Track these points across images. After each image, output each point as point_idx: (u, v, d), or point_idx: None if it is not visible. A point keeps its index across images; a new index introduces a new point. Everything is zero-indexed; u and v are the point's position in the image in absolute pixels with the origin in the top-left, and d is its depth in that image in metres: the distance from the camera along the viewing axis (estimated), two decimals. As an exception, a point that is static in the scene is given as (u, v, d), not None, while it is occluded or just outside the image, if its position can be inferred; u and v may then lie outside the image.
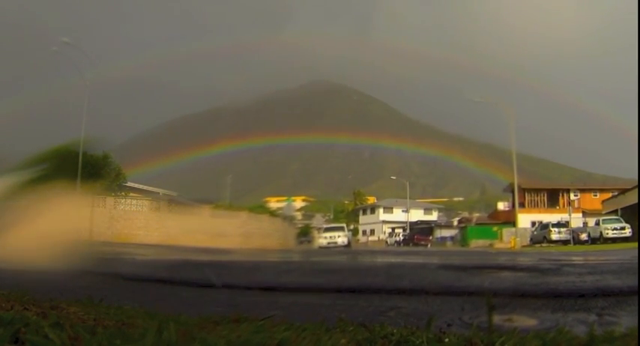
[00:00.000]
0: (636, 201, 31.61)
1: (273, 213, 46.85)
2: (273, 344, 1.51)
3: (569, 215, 35.65)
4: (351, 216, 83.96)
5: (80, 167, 11.75)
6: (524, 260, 7.59)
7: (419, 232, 54.14)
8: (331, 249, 33.42)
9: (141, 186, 35.98)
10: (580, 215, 41.21)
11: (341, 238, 36.63)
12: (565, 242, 32.24)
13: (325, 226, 45.08)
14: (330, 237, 36.99)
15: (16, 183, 6.35)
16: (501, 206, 55.65)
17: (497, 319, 2.01)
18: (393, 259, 9.09)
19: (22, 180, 6.37)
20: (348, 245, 37.00)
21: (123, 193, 30.11)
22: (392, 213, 76.53)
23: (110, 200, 26.57)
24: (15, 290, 2.40)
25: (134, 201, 27.66)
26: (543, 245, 32.42)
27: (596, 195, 48.91)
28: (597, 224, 32.50)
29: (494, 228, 45.14)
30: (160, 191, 38.47)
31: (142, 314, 2.05)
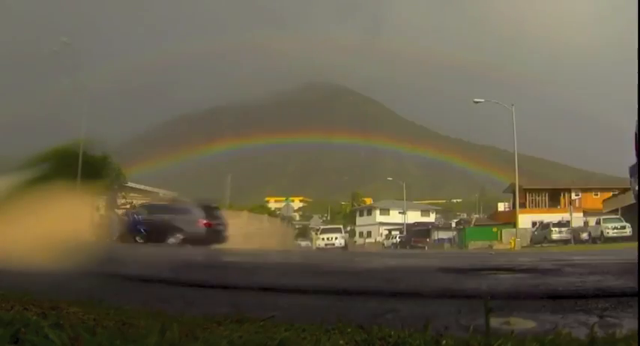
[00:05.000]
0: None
1: (271, 213, 46.84)
2: (273, 344, 1.52)
3: (570, 214, 35.64)
4: (349, 218, 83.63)
5: (80, 167, 11.75)
6: (523, 261, 7.55)
7: (415, 234, 53.82)
8: (329, 250, 33.48)
9: (141, 186, 35.90)
10: (581, 214, 41.16)
11: (338, 240, 36.76)
12: (566, 241, 32.30)
13: (323, 227, 45.13)
14: (328, 238, 37.12)
15: (16, 183, 6.34)
16: (501, 207, 55.56)
17: (494, 322, 2.01)
18: (389, 261, 9.09)
19: (22, 180, 6.36)
20: (345, 246, 37.09)
21: (123, 193, 30.05)
22: (389, 214, 76.05)
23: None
24: (15, 291, 2.41)
25: (134, 202, 27.57)
26: (544, 245, 32.45)
27: (597, 195, 48.70)
28: (598, 223, 32.50)
29: (494, 229, 44.90)
30: (160, 191, 38.38)
31: (143, 315, 2.06)
